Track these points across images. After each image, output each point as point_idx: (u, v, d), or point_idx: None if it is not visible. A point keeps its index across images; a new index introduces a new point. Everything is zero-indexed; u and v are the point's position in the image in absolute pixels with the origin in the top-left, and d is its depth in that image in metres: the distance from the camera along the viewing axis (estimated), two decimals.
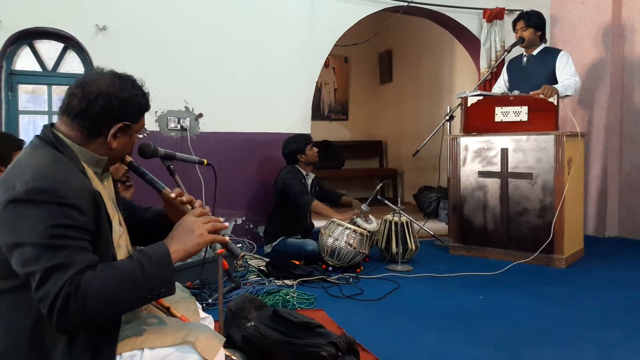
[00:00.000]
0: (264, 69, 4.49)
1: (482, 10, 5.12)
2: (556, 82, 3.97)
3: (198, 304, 1.72)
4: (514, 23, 4.22)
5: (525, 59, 4.23)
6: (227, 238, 1.34)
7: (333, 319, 2.56)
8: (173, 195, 1.45)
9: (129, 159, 1.45)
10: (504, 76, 4.43)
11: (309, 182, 3.98)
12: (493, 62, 5.01)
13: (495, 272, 3.48)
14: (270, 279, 3.27)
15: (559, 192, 3.64)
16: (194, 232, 1.26)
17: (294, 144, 3.95)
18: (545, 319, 2.61)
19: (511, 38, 4.65)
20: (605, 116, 4.87)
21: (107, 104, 1.25)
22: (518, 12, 4.87)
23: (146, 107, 1.36)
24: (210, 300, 2.74)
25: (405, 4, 4.87)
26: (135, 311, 1.37)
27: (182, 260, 1.27)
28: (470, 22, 5.18)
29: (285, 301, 2.82)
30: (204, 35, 4.29)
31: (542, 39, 4.20)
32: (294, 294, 2.92)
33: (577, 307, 2.79)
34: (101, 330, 1.20)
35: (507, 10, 5.13)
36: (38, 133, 1.29)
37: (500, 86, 4.41)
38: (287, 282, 3.21)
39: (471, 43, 5.36)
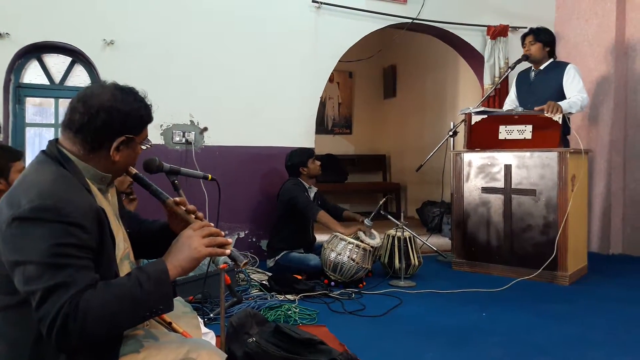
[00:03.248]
0: (268, 84, 4.52)
1: (486, 28, 5.16)
2: (564, 97, 3.95)
3: (200, 319, 1.72)
4: (523, 37, 4.23)
5: (533, 73, 4.23)
6: (227, 250, 1.32)
7: (335, 335, 2.55)
8: (178, 199, 1.46)
9: (133, 170, 1.45)
10: (513, 90, 4.43)
11: (312, 195, 3.98)
12: (497, 79, 5.04)
13: (499, 288, 3.46)
14: (273, 293, 3.26)
15: (562, 208, 3.63)
16: (189, 247, 1.26)
17: (297, 157, 3.96)
18: (549, 336, 2.59)
19: (515, 55, 4.69)
20: (609, 133, 4.87)
21: (109, 118, 1.24)
22: (522, 30, 4.93)
23: (148, 119, 1.35)
24: (211, 315, 2.73)
25: (410, 21, 4.91)
26: (136, 326, 1.37)
27: (179, 276, 1.26)
28: (474, 38, 5.22)
29: (287, 316, 2.81)
30: (210, 50, 4.33)
31: (551, 55, 4.18)
32: (296, 309, 2.91)
33: (580, 325, 2.77)
34: (102, 346, 1.20)
35: (510, 27, 5.17)
36: (43, 145, 1.29)
37: (512, 100, 4.38)
38: (289, 297, 3.20)
39: (475, 59, 5.39)
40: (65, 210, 1.12)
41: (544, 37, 4.13)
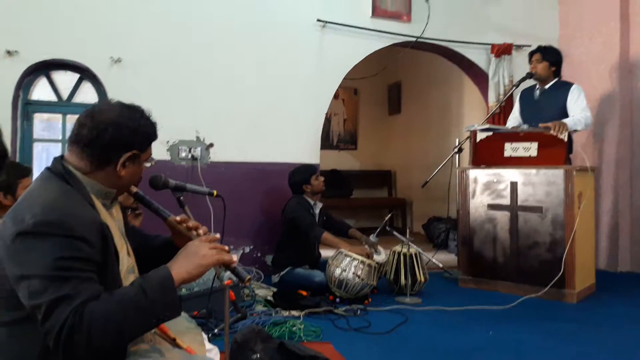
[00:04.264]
0: (274, 100, 4.56)
1: (490, 46, 5.19)
2: (567, 116, 3.95)
3: (204, 335, 1.72)
4: (531, 54, 4.26)
5: (538, 92, 4.24)
6: (232, 264, 1.33)
7: (340, 352, 2.53)
8: (178, 218, 1.46)
9: (134, 189, 1.47)
10: (517, 107, 4.44)
11: (317, 211, 3.98)
12: (501, 97, 5.05)
13: (505, 306, 3.42)
14: (277, 309, 3.24)
15: (569, 226, 3.61)
16: (197, 254, 1.26)
17: (299, 175, 3.97)
18: (556, 356, 2.56)
19: (519, 73, 4.71)
20: (615, 151, 4.86)
21: (117, 133, 1.27)
22: (526, 48, 4.96)
23: (154, 136, 1.38)
24: (216, 331, 2.72)
25: (414, 39, 4.96)
26: (141, 342, 1.37)
27: (185, 282, 1.26)
28: (479, 57, 5.25)
29: (291, 333, 2.79)
30: (216, 66, 4.38)
31: (557, 75, 4.19)
32: (301, 325, 2.89)
33: (588, 344, 2.74)
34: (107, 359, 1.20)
35: (515, 45, 5.20)
36: (51, 161, 1.31)
37: (515, 117, 4.40)
38: (294, 312, 3.18)
39: (479, 77, 5.41)
40: (69, 225, 1.13)
41: (551, 57, 4.14)
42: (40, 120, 4.21)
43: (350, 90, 8.09)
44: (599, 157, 5.01)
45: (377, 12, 4.85)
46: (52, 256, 1.10)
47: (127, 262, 1.37)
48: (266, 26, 4.54)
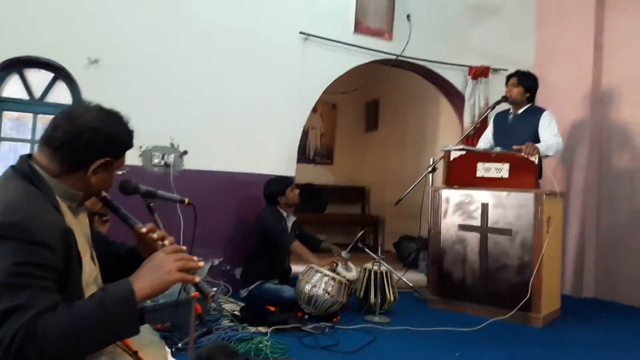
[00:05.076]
0: (252, 111, 4.53)
1: (467, 68, 5.28)
2: (539, 141, 4.04)
3: (167, 349, 1.66)
4: (508, 77, 4.33)
5: (511, 116, 4.31)
6: (197, 278, 1.29)
7: None
8: (144, 230, 1.42)
9: (103, 193, 1.43)
10: (490, 129, 4.51)
11: (290, 224, 3.95)
12: (476, 118, 5.12)
13: (473, 328, 3.43)
14: (244, 324, 3.18)
15: (537, 249, 3.66)
16: (162, 269, 1.22)
17: (275, 186, 3.95)
18: None
19: (495, 95, 4.80)
20: (584, 177, 4.97)
21: (93, 139, 1.23)
22: (502, 71, 5.07)
23: (130, 145, 1.34)
24: (180, 345, 2.65)
25: (394, 57, 5.01)
26: (101, 354, 1.32)
27: (148, 298, 1.22)
28: (456, 78, 5.34)
29: (258, 350, 2.74)
30: (195, 73, 4.33)
31: (530, 100, 4.26)
32: (268, 342, 2.84)
33: None
34: None
35: (492, 68, 5.31)
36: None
37: (487, 138, 4.46)
38: (262, 329, 3.12)
39: (456, 98, 5.50)
40: (31, 228, 1.08)
41: (527, 82, 4.22)
42: (9, 119, 4.08)
43: (328, 105, 8.12)
44: (567, 183, 5.12)
45: (359, 28, 4.89)
46: (9, 261, 1.05)
47: (89, 270, 1.32)
48: (248, 34, 4.52)
